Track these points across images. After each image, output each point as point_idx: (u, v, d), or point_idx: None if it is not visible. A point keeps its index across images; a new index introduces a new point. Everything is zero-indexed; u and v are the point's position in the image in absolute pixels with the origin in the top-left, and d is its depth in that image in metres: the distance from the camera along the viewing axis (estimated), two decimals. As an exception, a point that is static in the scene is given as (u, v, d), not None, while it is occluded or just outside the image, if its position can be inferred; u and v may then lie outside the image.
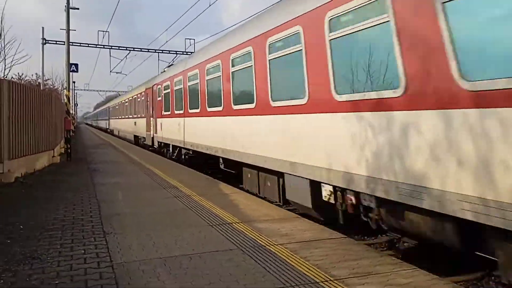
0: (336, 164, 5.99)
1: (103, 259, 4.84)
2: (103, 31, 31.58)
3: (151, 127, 20.98)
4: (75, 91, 58.62)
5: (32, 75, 35.94)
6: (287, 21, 7.20)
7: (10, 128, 10.83)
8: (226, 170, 11.39)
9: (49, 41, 29.25)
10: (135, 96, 27.41)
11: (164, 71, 19.97)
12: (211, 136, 11.32)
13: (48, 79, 37.20)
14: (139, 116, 25.51)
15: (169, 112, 16.94)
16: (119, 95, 57.04)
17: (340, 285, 4.06)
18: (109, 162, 16.09)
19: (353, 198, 5.85)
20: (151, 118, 20.94)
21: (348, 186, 5.77)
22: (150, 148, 22.12)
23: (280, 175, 7.95)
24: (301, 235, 5.80)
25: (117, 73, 38.87)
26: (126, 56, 34.31)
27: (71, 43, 19.21)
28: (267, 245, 5.36)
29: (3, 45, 23.92)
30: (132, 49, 32.94)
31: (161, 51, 33.53)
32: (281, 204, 8.43)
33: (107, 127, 53.00)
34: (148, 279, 4.23)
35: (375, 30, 5.22)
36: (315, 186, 6.70)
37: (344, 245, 5.33)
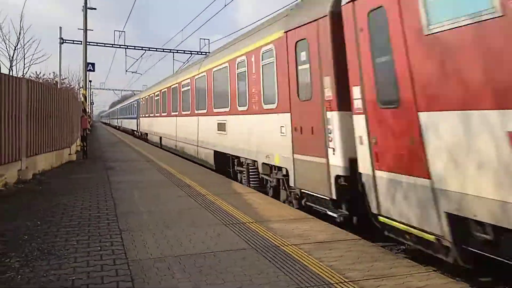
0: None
1: (119, 256, 4.89)
2: (119, 31, 31.94)
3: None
4: (91, 90, 59.35)
5: (50, 74, 36.52)
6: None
7: (28, 126, 11.02)
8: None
9: (66, 41, 29.66)
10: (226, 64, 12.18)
11: None
12: None
13: (65, 78, 37.75)
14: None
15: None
16: (134, 94, 56.00)
17: (354, 287, 4.03)
18: (125, 160, 16.24)
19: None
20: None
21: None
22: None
23: None
24: (316, 236, 5.78)
25: (132, 72, 39.22)
26: (141, 56, 34.60)
27: (88, 43, 19.45)
28: (281, 245, 5.35)
29: (22, 44, 24.44)
30: (148, 49, 33.23)
31: (176, 51, 33.77)
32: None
33: (135, 130, 36.20)
34: (163, 277, 4.26)
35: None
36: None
37: (359, 247, 5.29)
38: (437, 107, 4.58)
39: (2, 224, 6.28)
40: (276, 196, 9.07)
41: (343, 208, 6.75)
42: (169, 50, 33.89)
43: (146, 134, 29.67)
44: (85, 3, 19.17)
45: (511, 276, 5.09)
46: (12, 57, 24.12)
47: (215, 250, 5.14)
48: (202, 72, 14.46)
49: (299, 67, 7.68)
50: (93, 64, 22.16)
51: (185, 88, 17.03)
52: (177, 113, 18.69)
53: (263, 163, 9.38)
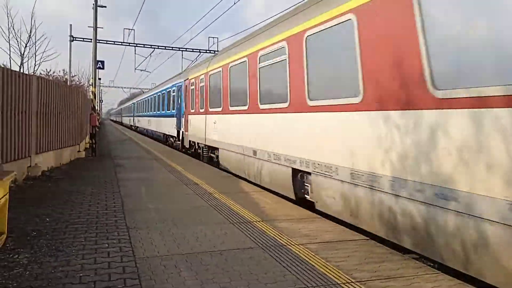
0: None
1: (126, 254, 4.91)
2: (129, 29, 32.07)
3: None
4: (101, 88, 59.60)
5: (60, 71, 36.88)
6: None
7: (38, 123, 11.11)
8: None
9: (76, 39, 29.85)
10: None
11: None
12: None
13: (74, 76, 38.08)
14: None
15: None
16: (143, 92, 54.64)
17: (361, 288, 4.01)
18: (133, 158, 16.32)
19: None
20: None
21: None
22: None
23: None
24: (323, 235, 5.76)
25: (141, 70, 39.38)
26: (150, 54, 34.74)
27: (98, 41, 19.56)
28: (288, 244, 5.34)
29: (33, 41, 24.68)
30: (157, 47, 33.30)
31: (184, 49, 33.84)
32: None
33: (173, 136, 22.48)
34: (170, 275, 4.27)
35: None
36: None
37: (366, 247, 5.27)
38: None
39: (11, 220, 6.34)
40: None
41: None
42: (178, 49, 33.96)
43: (210, 149, 15.17)
44: (95, 0, 19.28)
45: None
46: (23, 54, 24.41)
47: (222, 248, 5.15)
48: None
49: None
50: (102, 62, 22.28)
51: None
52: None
53: None
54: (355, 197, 6.18)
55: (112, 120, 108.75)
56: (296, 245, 5.31)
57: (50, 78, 28.43)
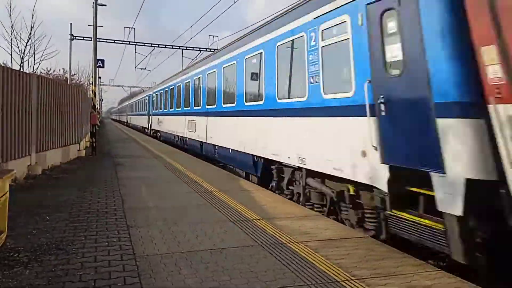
0: None
1: (126, 252, 4.91)
2: (129, 27, 32.10)
3: None
4: (101, 86, 59.50)
5: (60, 70, 36.88)
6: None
7: (38, 122, 11.12)
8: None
9: (76, 37, 29.82)
10: None
11: None
12: None
13: (74, 74, 38.09)
14: None
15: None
16: (143, 91, 54.49)
17: (361, 285, 4.01)
18: (133, 156, 16.32)
19: None
20: None
21: None
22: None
23: None
24: (322, 233, 5.76)
25: (141, 69, 39.35)
26: (151, 53, 34.70)
27: (98, 39, 19.55)
28: (287, 242, 5.35)
29: (33, 41, 24.70)
30: (157, 45, 33.25)
31: (185, 48, 33.79)
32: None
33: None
34: (170, 273, 4.28)
35: None
36: None
37: (366, 245, 5.27)
38: None
39: (12, 219, 6.35)
40: None
41: None
42: (178, 47, 33.90)
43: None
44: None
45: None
46: (23, 53, 24.43)
47: (221, 246, 5.15)
48: None
49: None
50: (102, 61, 22.26)
51: None
52: None
53: None
54: None
55: (113, 119, 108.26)
56: (296, 243, 5.31)
57: (50, 77, 28.42)
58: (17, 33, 26.28)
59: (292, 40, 8.48)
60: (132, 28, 31.89)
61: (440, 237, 4.84)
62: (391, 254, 4.97)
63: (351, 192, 6.56)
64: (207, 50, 32.43)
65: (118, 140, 27.47)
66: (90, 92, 19.80)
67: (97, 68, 19.78)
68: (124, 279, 4.12)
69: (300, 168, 8.17)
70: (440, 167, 4.77)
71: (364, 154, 6.00)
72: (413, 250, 6.24)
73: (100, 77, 45.06)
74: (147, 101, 34.81)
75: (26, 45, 24.64)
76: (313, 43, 7.57)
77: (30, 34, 24.80)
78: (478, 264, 4.66)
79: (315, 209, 7.76)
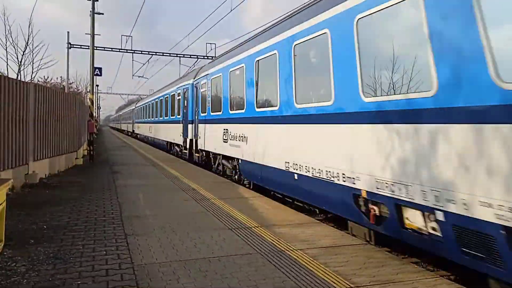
0: None
1: (124, 261, 4.88)
2: (127, 35, 32.10)
3: None
4: (99, 94, 59.51)
5: (57, 78, 36.88)
6: None
7: (36, 130, 11.09)
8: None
9: (74, 45, 29.85)
10: None
11: None
12: None
13: (72, 82, 38.08)
14: None
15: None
16: (141, 98, 54.17)
17: (361, 293, 3.99)
18: (130, 164, 16.28)
19: None
20: None
21: None
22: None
23: None
24: (321, 241, 5.75)
25: (139, 77, 39.35)
26: (148, 60, 34.74)
27: (95, 48, 19.58)
28: (286, 250, 5.33)
29: (31, 49, 24.72)
30: (155, 53, 33.29)
31: (182, 55, 33.84)
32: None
33: None
34: (168, 282, 4.25)
35: None
36: None
37: (365, 252, 5.26)
38: None
39: (9, 228, 6.31)
40: None
41: None
42: (175, 55, 33.94)
43: None
44: (93, 8, 19.32)
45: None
46: (21, 62, 24.43)
47: (220, 254, 5.13)
48: None
49: None
50: (100, 69, 22.24)
51: None
52: None
53: None
54: None
55: (112, 128, 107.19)
56: (295, 251, 5.29)
57: (48, 85, 28.42)
58: (13, 41, 26.27)
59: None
60: (129, 36, 32.00)
61: None
62: (390, 261, 4.95)
63: None
64: (205, 57, 32.51)
65: (115, 148, 27.38)
66: (88, 100, 19.78)
67: (94, 76, 19.78)
68: (122, 288, 4.09)
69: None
70: None
71: None
72: (413, 256, 6.23)
73: (97, 85, 45.10)
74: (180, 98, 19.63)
75: (23, 54, 24.64)
76: None
77: (27, 43, 24.80)
78: None
79: None
